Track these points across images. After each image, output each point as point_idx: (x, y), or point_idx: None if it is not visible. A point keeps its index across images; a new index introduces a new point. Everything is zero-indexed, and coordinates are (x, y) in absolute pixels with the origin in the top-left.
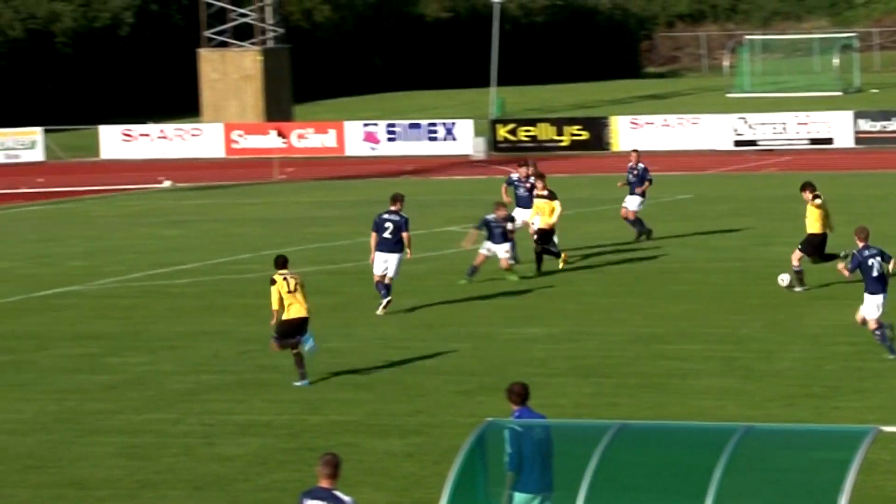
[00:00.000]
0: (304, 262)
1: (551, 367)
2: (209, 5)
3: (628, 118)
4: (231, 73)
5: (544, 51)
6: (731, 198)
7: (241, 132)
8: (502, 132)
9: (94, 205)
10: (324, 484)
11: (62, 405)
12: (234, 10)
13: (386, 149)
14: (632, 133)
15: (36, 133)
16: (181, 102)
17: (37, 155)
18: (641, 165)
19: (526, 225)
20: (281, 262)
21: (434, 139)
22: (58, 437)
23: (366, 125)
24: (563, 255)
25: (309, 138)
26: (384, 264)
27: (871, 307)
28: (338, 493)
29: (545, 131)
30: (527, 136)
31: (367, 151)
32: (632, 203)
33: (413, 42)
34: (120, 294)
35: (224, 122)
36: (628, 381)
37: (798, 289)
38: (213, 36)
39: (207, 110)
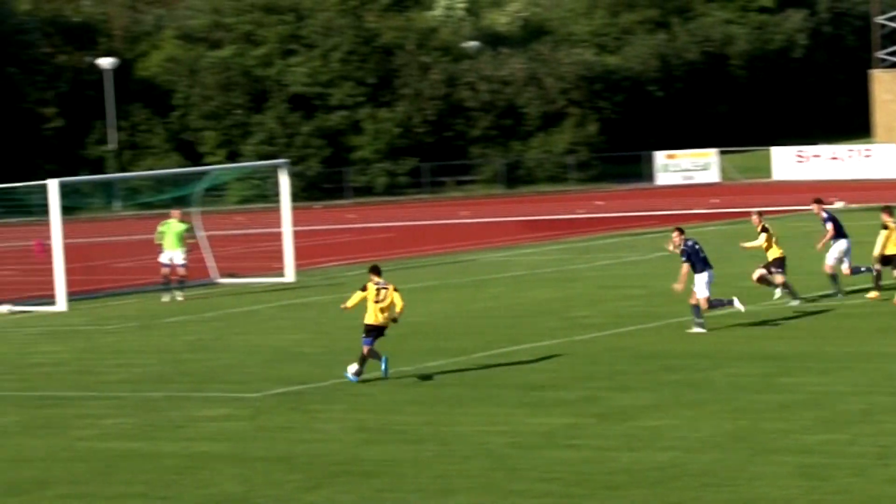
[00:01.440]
0: None
1: None
2: (882, 26)
3: None
4: None
5: None
6: None
7: None
8: None
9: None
10: None
11: (736, 424)
12: None
13: None
14: None
15: (710, 154)
16: (852, 123)
17: (711, 176)
18: None
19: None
20: (376, 271)
21: None
22: (732, 456)
23: None
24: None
25: None
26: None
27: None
28: None
29: None
30: None
31: None
32: None
33: None
34: (790, 314)
35: None
36: None
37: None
38: (886, 57)
39: (879, 131)
